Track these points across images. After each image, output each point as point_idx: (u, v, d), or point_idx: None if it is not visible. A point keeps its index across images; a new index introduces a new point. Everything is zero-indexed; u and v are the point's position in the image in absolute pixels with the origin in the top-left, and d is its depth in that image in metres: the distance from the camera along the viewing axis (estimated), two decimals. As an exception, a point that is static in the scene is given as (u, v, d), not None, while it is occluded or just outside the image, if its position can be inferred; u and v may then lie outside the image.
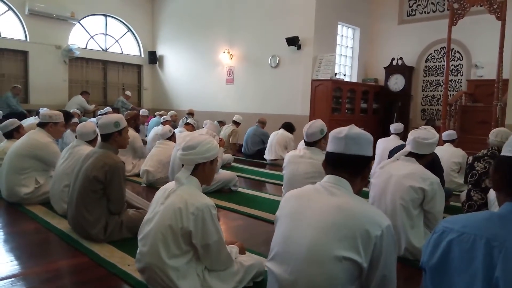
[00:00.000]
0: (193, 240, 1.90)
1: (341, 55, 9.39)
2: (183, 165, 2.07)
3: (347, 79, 9.30)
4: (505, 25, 5.82)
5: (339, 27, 9.06)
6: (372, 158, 1.61)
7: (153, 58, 11.89)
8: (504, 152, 1.12)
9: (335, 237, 1.40)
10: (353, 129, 1.57)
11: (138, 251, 2.09)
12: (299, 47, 8.41)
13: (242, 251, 2.36)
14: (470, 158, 3.89)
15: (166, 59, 11.82)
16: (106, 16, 11.23)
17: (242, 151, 8.06)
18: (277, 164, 6.80)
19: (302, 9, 8.30)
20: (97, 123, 3.63)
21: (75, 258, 2.68)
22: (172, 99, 11.67)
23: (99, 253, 2.70)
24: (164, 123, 6.84)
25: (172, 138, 5.20)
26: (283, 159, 3.61)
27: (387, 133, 6.83)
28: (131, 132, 5.44)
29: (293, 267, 1.47)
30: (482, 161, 3.68)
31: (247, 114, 9.01)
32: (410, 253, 2.65)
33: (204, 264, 2.00)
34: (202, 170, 2.06)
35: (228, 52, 9.86)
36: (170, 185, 2.08)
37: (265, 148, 7.39)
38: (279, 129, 7.28)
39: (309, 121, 3.44)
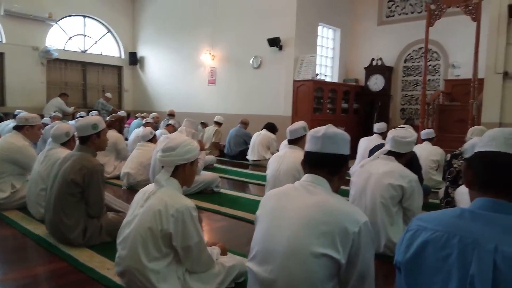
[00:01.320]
0: (173, 242, 1.88)
1: (322, 55, 9.46)
2: (163, 167, 2.04)
3: (328, 79, 9.39)
4: (480, 26, 5.97)
5: (320, 28, 9.14)
6: (349, 156, 1.64)
7: (134, 59, 11.75)
8: (476, 149, 1.12)
9: (313, 234, 1.42)
10: (330, 129, 1.60)
11: (117, 254, 2.06)
12: (280, 48, 8.44)
13: (224, 252, 2.35)
14: (448, 155, 3.98)
15: (147, 60, 11.70)
16: (84, 17, 11.04)
17: (224, 152, 8.04)
18: (260, 165, 6.81)
19: (283, 10, 8.34)
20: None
21: (53, 263, 2.63)
22: (153, 100, 11.55)
23: (78, 257, 2.65)
24: (145, 125, 6.76)
25: (153, 140, 5.15)
26: (266, 160, 3.64)
27: (368, 133, 6.93)
28: (115, 133, 5.40)
29: (273, 266, 1.48)
30: (459, 159, 3.76)
31: (229, 115, 8.99)
32: (389, 250, 2.69)
33: (185, 266, 1.98)
34: (182, 172, 2.04)
35: (210, 53, 9.83)
36: (150, 187, 2.06)
37: (248, 148, 7.39)
38: (262, 129, 7.29)
39: (292, 121, 3.50)
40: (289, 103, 8.42)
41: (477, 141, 1.21)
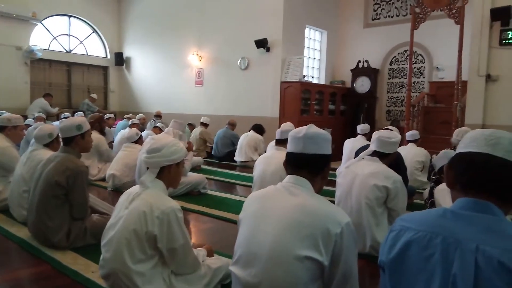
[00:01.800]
0: (158, 244, 1.87)
1: (309, 57, 9.52)
2: (148, 168, 2.02)
3: (315, 81, 9.44)
4: (463, 29, 6.08)
5: (307, 30, 9.19)
6: (331, 156, 1.64)
7: (120, 59, 11.63)
8: (458, 150, 1.14)
9: (296, 236, 1.41)
10: (311, 129, 1.59)
11: (101, 257, 2.03)
12: (268, 50, 8.46)
13: (210, 254, 2.34)
14: (434, 156, 4.03)
15: (134, 61, 11.60)
16: (69, 16, 10.89)
17: (212, 153, 8.02)
18: (247, 166, 6.81)
19: (271, 12, 8.36)
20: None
21: (37, 266, 2.58)
22: (140, 101, 11.45)
23: (61, 260, 2.60)
24: (131, 126, 6.70)
25: (139, 141, 5.10)
26: (254, 161, 3.65)
27: (354, 134, 6.99)
28: (96, 135, 5.30)
29: (257, 269, 1.47)
30: (443, 160, 3.82)
31: (217, 116, 8.97)
32: (375, 250, 2.72)
33: (171, 268, 1.97)
34: (168, 173, 2.02)
35: (197, 54, 9.80)
36: (135, 189, 2.04)
37: (235, 150, 7.38)
38: (249, 131, 7.29)
39: (279, 122, 3.55)
40: (277, 104, 8.44)
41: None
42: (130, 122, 7.33)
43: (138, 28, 11.39)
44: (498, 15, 5.79)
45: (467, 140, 1.11)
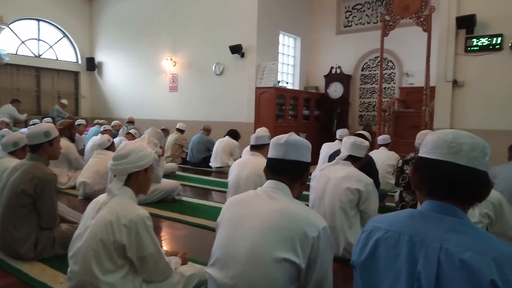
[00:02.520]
0: (127, 254, 1.82)
1: (284, 63, 9.62)
2: (115, 176, 1.97)
3: (289, 86, 9.54)
4: (431, 37, 6.30)
5: (281, 36, 9.29)
6: (310, 164, 1.69)
7: (92, 64, 11.40)
8: (420, 153, 1.17)
9: (274, 239, 1.44)
10: (293, 136, 1.64)
11: (69, 269, 1.96)
12: (242, 55, 8.49)
13: (184, 262, 2.31)
14: (400, 161, 4.14)
15: (106, 66, 11.39)
16: (38, 20, 10.60)
17: (187, 159, 7.94)
18: (223, 172, 6.78)
19: (245, 17, 8.41)
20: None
21: (2, 279, 2.47)
22: (112, 107, 11.24)
23: (28, 272, 2.51)
24: (103, 132, 6.55)
25: (111, 148, 4.98)
26: (229, 166, 3.66)
27: (328, 138, 7.11)
28: (65, 142, 5.14)
29: (234, 271, 1.49)
30: (410, 164, 3.93)
31: (191, 122, 8.91)
32: (348, 253, 2.75)
33: (142, 276, 1.93)
34: (136, 180, 1.98)
35: (171, 59, 9.72)
36: (102, 197, 1.98)
37: (211, 155, 7.34)
38: (225, 136, 7.26)
39: (254, 128, 3.57)
40: (252, 110, 8.47)
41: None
42: (102, 128, 7.17)
43: (110, 32, 11.20)
44: (464, 23, 6.03)
45: (430, 145, 1.13)
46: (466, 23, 6.02)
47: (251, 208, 1.56)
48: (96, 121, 8.93)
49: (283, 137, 1.63)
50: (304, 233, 1.43)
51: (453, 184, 1.08)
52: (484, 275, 0.92)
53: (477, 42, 6.06)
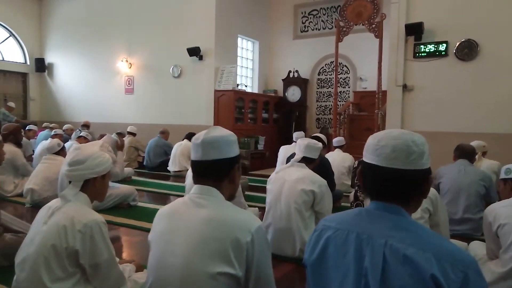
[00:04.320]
0: (80, 260, 1.75)
1: (242, 66, 9.65)
2: (70, 182, 1.88)
3: (249, 90, 9.59)
4: (382, 43, 6.58)
5: (239, 39, 9.33)
6: (239, 157, 1.51)
7: (41, 66, 10.86)
8: (364, 157, 1.20)
9: (205, 254, 1.33)
10: (211, 133, 1.46)
11: (14, 278, 1.85)
12: (201, 58, 8.43)
13: (140, 269, 2.25)
14: (356, 162, 4.29)
15: (57, 67, 10.89)
16: (-18, 18, 9.97)
17: (144, 163, 7.75)
18: (181, 176, 6.67)
19: (202, 20, 8.36)
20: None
21: None
22: (64, 110, 10.76)
23: (-33, 287, 2.34)
24: (53, 136, 6.24)
25: (61, 152, 4.73)
26: (187, 170, 3.59)
27: (287, 141, 7.19)
28: (11, 148, 4.86)
29: None
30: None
31: (149, 125, 8.72)
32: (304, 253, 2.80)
33: (93, 285, 1.85)
34: (92, 186, 1.90)
35: (127, 61, 9.46)
36: (55, 202, 1.89)
37: (169, 159, 7.21)
38: (183, 139, 7.18)
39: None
40: (211, 112, 8.42)
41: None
42: (53, 133, 6.83)
43: (61, 32, 10.73)
44: (412, 30, 6.34)
45: (365, 148, 1.18)
46: (414, 31, 6.33)
47: (179, 221, 1.43)
48: (45, 124, 8.54)
49: (200, 136, 1.46)
50: (236, 239, 1.32)
51: (382, 185, 1.12)
52: (425, 270, 0.97)
53: (424, 48, 6.39)
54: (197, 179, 1.49)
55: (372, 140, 1.16)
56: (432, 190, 2.66)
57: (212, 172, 1.46)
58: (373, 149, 1.13)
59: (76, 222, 1.75)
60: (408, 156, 1.08)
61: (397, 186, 1.11)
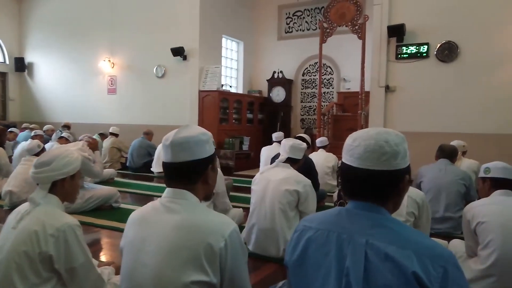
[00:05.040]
0: (55, 265, 1.70)
1: (227, 67, 9.63)
2: (38, 184, 1.82)
3: (233, 90, 9.57)
4: (365, 44, 6.65)
5: (224, 39, 9.30)
6: (213, 156, 1.42)
7: (21, 65, 10.62)
8: (343, 158, 1.19)
9: (178, 263, 1.27)
10: (180, 133, 1.36)
11: (-14, 286, 1.79)
12: (185, 58, 8.38)
13: (119, 271, 2.20)
14: (340, 162, 4.31)
15: (37, 67, 10.67)
16: (-42, 15, 9.70)
17: (127, 164, 7.65)
18: (164, 177, 6.61)
19: (186, 20, 8.30)
20: None
21: None
22: (45, 111, 10.54)
23: None
24: (34, 137, 6.11)
25: (41, 153, 4.65)
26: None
27: (271, 141, 7.20)
28: (-8, 148, 4.76)
29: None
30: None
31: (132, 126, 8.62)
32: (288, 254, 2.81)
33: (71, 289, 1.81)
34: (61, 187, 1.85)
35: (109, 61, 9.33)
36: (24, 206, 1.83)
37: (152, 160, 7.14)
38: (166, 140, 7.10)
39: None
40: (195, 113, 8.37)
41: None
42: (33, 133, 6.69)
43: (42, 31, 10.51)
44: (394, 32, 6.43)
45: (343, 147, 1.18)
46: (397, 32, 6.43)
47: (150, 227, 1.35)
48: (25, 125, 8.36)
49: (169, 136, 1.36)
50: (208, 246, 1.25)
51: (358, 185, 1.13)
52: (406, 267, 0.97)
53: (406, 50, 6.50)
54: (168, 182, 1.40)
55: (348, 140, 1.16)
56: (420, 194, 2.66)
57: (184, 174, 1.37)
58: (348, 149, 1.13)
59: (48, 226, 1.70)
60: (380, 156, 1.08)
61: (372, 185, 1.11)
